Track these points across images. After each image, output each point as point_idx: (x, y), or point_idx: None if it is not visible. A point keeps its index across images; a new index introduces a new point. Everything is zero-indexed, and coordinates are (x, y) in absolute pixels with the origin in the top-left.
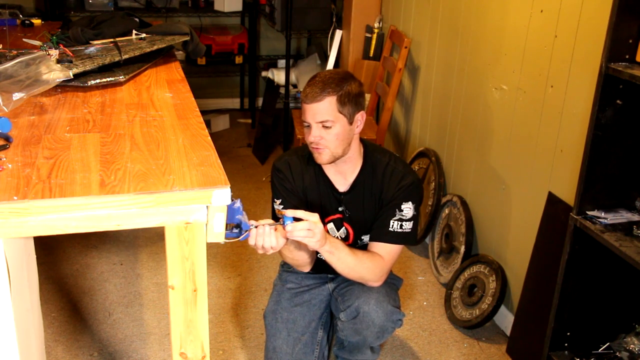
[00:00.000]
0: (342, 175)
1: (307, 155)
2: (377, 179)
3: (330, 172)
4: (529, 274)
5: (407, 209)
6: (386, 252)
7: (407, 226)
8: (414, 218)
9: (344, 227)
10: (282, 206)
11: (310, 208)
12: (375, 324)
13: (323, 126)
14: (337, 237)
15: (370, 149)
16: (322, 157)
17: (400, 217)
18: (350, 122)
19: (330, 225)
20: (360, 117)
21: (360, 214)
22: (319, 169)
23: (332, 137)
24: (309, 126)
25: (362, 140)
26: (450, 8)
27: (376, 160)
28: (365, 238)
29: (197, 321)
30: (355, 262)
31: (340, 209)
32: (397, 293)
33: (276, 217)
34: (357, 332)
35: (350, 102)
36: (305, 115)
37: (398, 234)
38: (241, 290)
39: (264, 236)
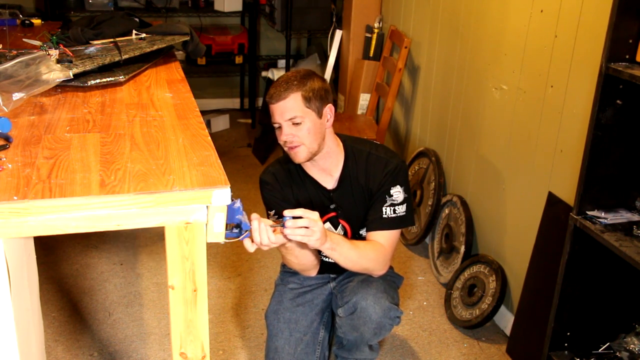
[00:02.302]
0: (327, 173)
1: (289, 162)
2: (361, 170)
3: (314, 171)
4: (529, 274)
5: (397, 192)
6: (385, 239)
7: (400, 210)
8: (406, 200)
9: (340, 225)
10: (276, 216)
11: None
12: (372, 320)
13: (293, 123)
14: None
15: (348, 142)
16: (298, 155)
17: (392, 202)
18: (320, 116)
19: (327, 225)
20: (329, 111)
21: (352, 208)
22: (303, 172)
23: (305, 133)
24: (279, 127)
25: (338, 134)
26: (450, 8)
27: (357, 151)
28: (364, 232)
29: (197, 321)
30: (358, 255)
31: (332, 206)
32: (396, 291)
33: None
34: (354, 329)
35: (315, 97)
36: (274, 116)
37: (393, 219)
38: (241, 290)
39: (260, 233)
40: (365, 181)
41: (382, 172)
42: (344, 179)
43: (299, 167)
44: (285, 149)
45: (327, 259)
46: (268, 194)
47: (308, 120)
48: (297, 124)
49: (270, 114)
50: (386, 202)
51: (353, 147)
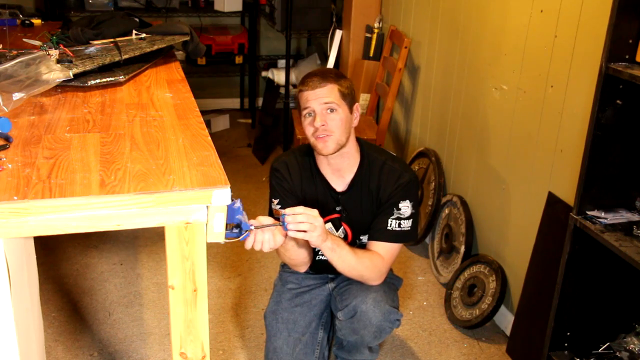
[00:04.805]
0: (340, 174)
1: (304, 155)
2: (374, 177)
3: (327, 171)
4: (529, 274)
5: (405, 207)
6: (385, 251)
7: (406, 225)
8: (413, 216)
9: (342, 227)
10: (279, 206)
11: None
12: (372, 324)
13: (329, 109)
14: (337, 237)
15: (366, 147)
16: (327, 145)
17: (398, 215)
18: (351, 112)
19: (329, 225)
20: (356, 110)
21: (358, 214)
22: (316, 168)
23: (338, 122)
24: (311, 115)
25: (357, 139)
26: (450, 8)
27: (373, 158)
28: (364, 238)
29: (197, 321)
30: (356, 261)
31: (338, 208)
32: (396, 293)
33: (273, 217)
34: (354, 332)
35: (350, 94)
36: (308, 102)
37: (396, 233)
38: (241, 290)
39: (263, 240)
40: (376, 189)
41: (394, 184)
42: (355, 184)
43: (312, 163)
44: (313, 139)
45: (324, 257)
46: (276, 182)
47: (341, 111)
48: (333, 110)
49: (302, 101)
50: (393, 214)
51: (369, 154)
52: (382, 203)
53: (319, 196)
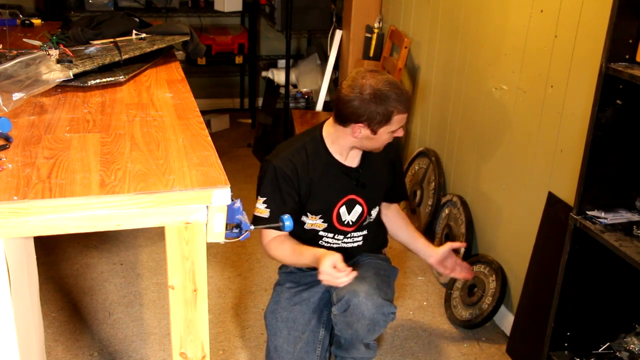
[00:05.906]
0: (353, 154)
1: (310, 148)
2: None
3: (342, 156)
4: (529, 274)
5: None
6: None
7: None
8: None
9: (357, 205)
10: (265, 205)
11: (314, 199)
12: (365, 317)
13: None
14: (349, 221)
15: None
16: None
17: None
18: None
19: (343, 209)
20: None
21: (375, 185)
22: (327, 155)
23: None
24: (393, 131)
25: None
26: (450, 8)
27: None
28: (373, 212)
29: (197, 321)
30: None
31: (357, 184)
32: (390, 286)
33: (257, 218)
34: (348, 326)
35: None
36: (403, 122)
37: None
38: (241, 290)
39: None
40: (386, 155)
41: (392, 147)
42: (366, 157)
43: (322, 152)
44: (380, 144)
45: (328, 244)
46: (271, 181)
47: None
48: None
49: (399, 120)
50: (403, 174)
51: None
52: (393, 162)
53: (331, 182)
